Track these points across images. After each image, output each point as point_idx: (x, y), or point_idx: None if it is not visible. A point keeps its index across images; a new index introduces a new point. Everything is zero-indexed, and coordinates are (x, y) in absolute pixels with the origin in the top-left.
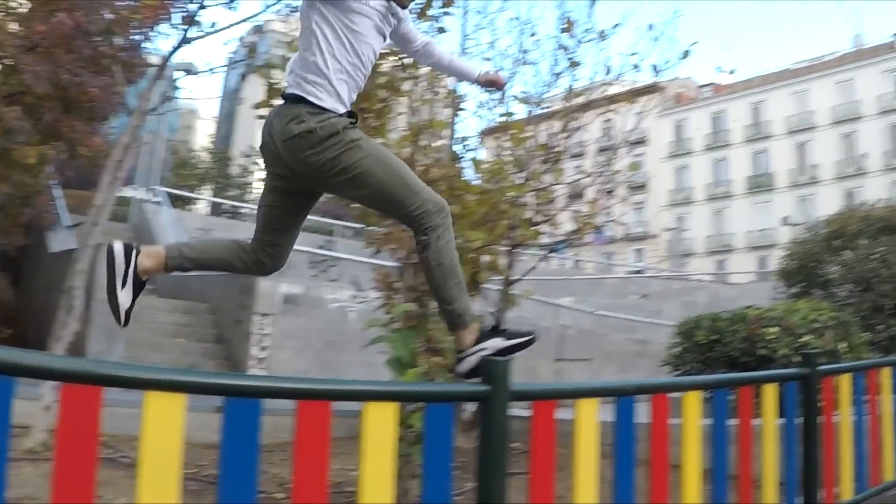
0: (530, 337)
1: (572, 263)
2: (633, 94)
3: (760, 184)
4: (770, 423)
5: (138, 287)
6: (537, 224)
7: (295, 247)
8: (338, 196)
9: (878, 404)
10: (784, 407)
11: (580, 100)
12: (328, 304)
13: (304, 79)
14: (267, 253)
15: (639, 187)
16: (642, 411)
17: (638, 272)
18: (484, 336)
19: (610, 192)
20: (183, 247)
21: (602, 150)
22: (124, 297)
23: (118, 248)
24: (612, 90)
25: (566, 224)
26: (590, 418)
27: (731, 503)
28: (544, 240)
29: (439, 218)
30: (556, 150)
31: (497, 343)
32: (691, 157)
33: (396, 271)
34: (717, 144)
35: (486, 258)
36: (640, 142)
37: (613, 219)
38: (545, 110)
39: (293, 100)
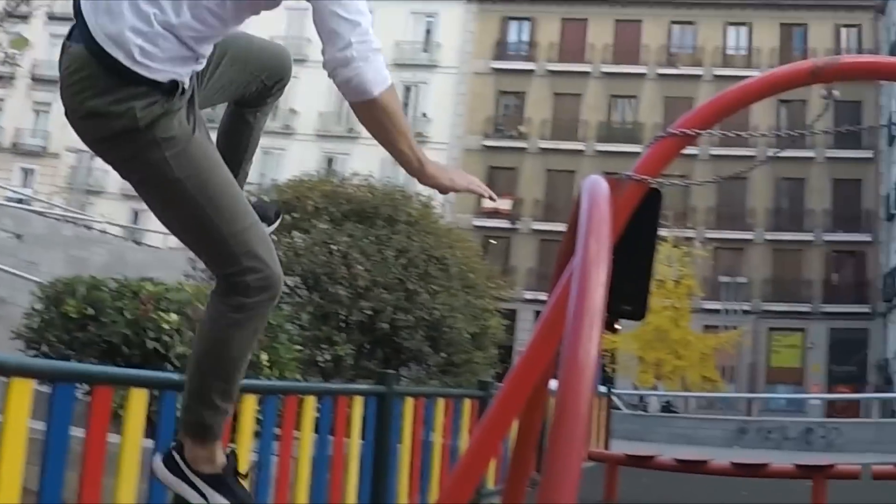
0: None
1: None
2: None
3: None
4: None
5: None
6: None
7: None
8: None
9: (296, 445)
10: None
11: None
12: None
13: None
14: None
15: (45, 81)
16: None
17: (19, 201)
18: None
19: None
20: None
21: None
22: None
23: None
24: None
25: None
26: None
27: None
28: None
29: (265, 297)
30: None
31: (218, 499)
32: None
33: None
34: None
35: None
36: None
37: None
38: None
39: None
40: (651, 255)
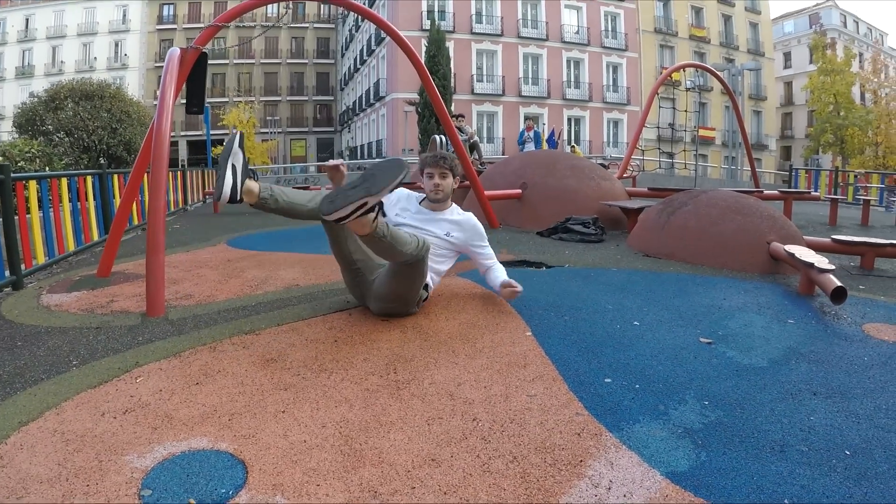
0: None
1: None
2: None
3: (25, 73)
4: None
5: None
6: None
7: None
8: None
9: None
10: None
11: None
12: None
13: None
14: None
15: None
16: None
17: None
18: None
19: None
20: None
21: None
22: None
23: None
24: None
25: None
26: None
27: None
28: None
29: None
30: None
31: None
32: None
33: None
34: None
35: None
36: None
37: None
38: None
39: None
40: (203, 82)
